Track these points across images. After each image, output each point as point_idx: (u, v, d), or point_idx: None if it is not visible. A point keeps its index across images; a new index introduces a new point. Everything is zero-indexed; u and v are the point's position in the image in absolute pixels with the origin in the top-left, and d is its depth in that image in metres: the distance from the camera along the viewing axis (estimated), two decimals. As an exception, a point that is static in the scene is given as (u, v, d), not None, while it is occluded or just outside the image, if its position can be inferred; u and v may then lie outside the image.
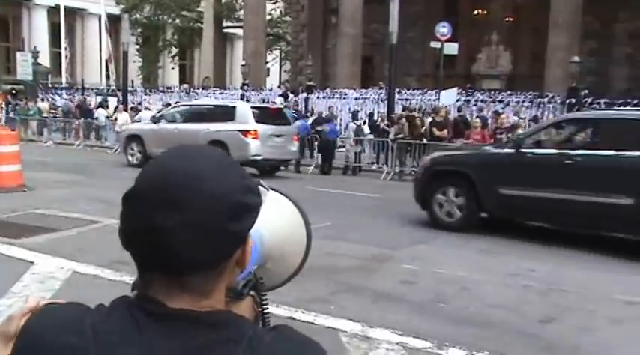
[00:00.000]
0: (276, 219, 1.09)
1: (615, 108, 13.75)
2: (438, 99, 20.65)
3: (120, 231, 0.88)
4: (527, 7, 29.27)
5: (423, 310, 5.34)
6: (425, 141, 15.63)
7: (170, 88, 32.12)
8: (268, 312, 1.05)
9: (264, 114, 14.96)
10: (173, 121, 15.90)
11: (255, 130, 14.13)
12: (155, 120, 16.57)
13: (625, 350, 4.61)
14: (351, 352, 4.32)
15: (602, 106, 19.18)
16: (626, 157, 7.73)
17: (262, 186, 1.06)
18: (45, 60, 38.58)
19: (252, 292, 1.03)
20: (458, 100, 20.99)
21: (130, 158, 16.42)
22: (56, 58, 41.72)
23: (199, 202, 0.83)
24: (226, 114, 14.69)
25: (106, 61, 33.02)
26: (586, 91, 20.85)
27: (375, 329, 4.70)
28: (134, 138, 16.53)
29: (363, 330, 4.68)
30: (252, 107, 15.39)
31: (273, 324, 1.01)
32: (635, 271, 7.03)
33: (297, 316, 4.92)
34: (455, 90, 20.46)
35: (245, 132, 14.08)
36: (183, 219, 0.82)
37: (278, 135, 14.75)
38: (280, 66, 49.90)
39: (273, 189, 1.11)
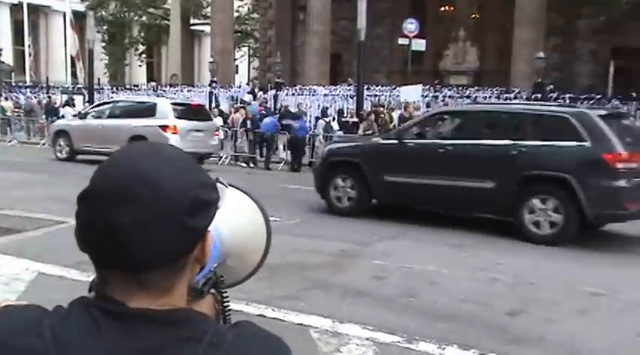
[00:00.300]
0: (235, 216, 1.09)
1: (574, 103, 14.30)
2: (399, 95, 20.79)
3: (76, 231, 0.86)
4: (493, 3, 29.57)
5: (393, 305, 5.37)
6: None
7: (137, 85, 31.71)
8: (229, 310, 1.05)
9: (186, 111, 15.68)
10: (99, 117, 16.63)
11: (174, 126, 14.79)
12: (81, 116, 17.49)
13: (589, 340, 4.69)
14: (321, 348, 4.33)
15: (567, 101, 19.54)
16: (487, 145, 8.65)
17: (221, 182, 1.05)
18: (8, 58, 37.78)
19: (212, 290, 1.02)
20: (426, 96, 21.14)
21: (57, 153, 16.97)
22: (20, 56, 40.90)
23: (155, 198, 0.82)
24: (148, 110, 15.40)
25: (72, 58, 32.45)
26: (551, 87, 21.17)
27: (345, 325, 4.71)
28: (61, 133, 17.10)
29: (333, 326, 4.69)
30: (173, 103, 16.21)
31: (237, 321, 0.99)
32: (600, 262, 7.17)
33: (267, 313, 4.91)
34: (419, 86, 20.66)
35: (164, 128, 14.67)
36: (140, 216, 0.81)
37: (198, 130, 15.38)
38: (249, 63, 49.64)
39: (232, 186, 1.10)
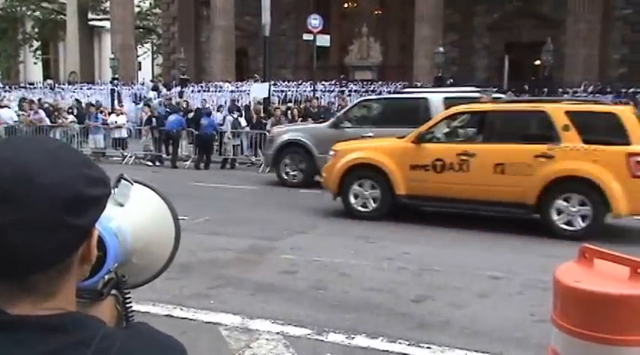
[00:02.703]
0: (141, 214, 1.05)
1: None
2: (313, 90, 20.96)
3: None
4: (394, 0, 30.35)
5: (303, 298, 5.41)
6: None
7: (33, 83, 30.22)
8: (132, 311, 1.02)
9: None
10: None
11: None
12: None
13: (491, 320, 4.92)
14: (231, 345, 4.31)
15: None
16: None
17: (125, 179, 1.03)
18: None
19: (114, 291, 0.99)
20: (332, 91, 21.42)
21: None
22: None
23: (31, 196, 0.77)
24: None
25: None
26: (451, 80, 21.98)
27: (255, 321, 4.71)
28: None
29: (243, 323, 4.67)
30: None
31: (130, 323, 0.98)
32: (498, 249, 7.52)
33: (175, 313, 4.83)
34: (266, 84, 21.31)
35: None
36: (16, 215, 0.76)
37: None
38: (152, 59, 48.44)
39: (138, 182, 1.07)
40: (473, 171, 8.45)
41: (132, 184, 1.05)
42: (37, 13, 41.28)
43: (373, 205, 9.20)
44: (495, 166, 8.30)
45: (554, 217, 8.03)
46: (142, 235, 1.04)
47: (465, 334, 4.63)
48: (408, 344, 4.34)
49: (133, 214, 1.03)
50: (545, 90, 19.60)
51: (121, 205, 1.03)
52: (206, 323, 4.67)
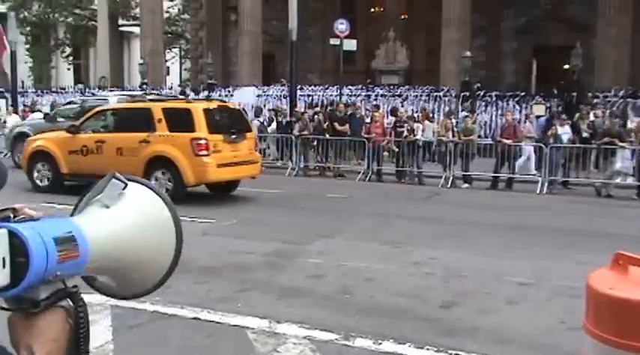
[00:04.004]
0: (129, 216, 0.95)
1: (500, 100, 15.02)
2: (339, 95, 20.96)
3: None
4: (420, 4, 30.19)
5: (329, 303, 5.40)
6: (327, 136, 15.82)
7: (64, 88, 30.71)
8: (84, 325, 0.89)
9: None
10: None
11: None
12: None
13: (521, 328, 4.86)
14: (258, 349, 4.31)
15: (494, 98, 20.19)
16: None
17: (117, 178, 0.96)
18: None
19: (64, 303, 0.88)
20: (358, 96, 21.40)
21: None
22: None
23: None
24: None
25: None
26: (479, 85, 21.79)
27: (282, 325, 4.71)
28: None
29: (270, 327, 4.68)
30: None
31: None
32: (526, 255, 7.42)
33: (202, 316, 4.85)
34: (252, 88, 21.44)
35: None
36: None
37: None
38: (180, 64, 48.88)
39: (133, 181, 0.98)
40: (105, 153, 11.19)
41: (125, 184, 0.96)
42: (70, 20, 41.95)
43: (47, 182, 12.02)
44: (117, 150, 11.08)
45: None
46: (131, 241, 0.94)
47: (494, 341, 4.58)
48: (436, 351, 4.30)
49: (118, 217, 0.93)
50: (575, 94, 19.32)
51: (107, 207, 0.94)
52: (233, 326, 4.69)
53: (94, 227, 0.89)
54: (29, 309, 0.84)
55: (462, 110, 19.12)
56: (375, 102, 21.39)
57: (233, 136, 11.07)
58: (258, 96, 23.49)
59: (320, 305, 5.31)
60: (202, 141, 10.53)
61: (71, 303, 0.88)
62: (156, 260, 0.99)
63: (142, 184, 1.00)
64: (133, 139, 10.95)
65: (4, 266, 0.79)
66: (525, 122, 17.00)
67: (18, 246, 0.79)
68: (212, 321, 4.77)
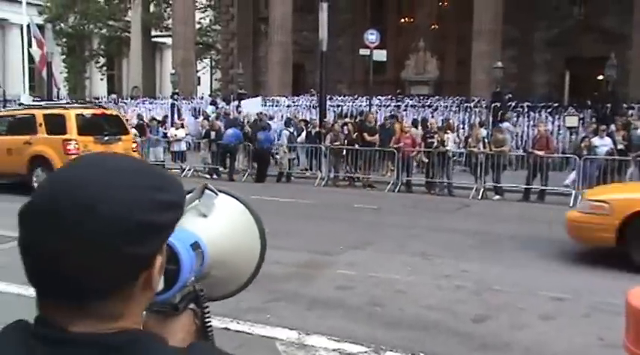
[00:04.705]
0: (224, 225, 1.03)
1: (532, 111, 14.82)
2: (369, 105, 20.93)
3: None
4: (451, 15, 30.07)
5: (359, 315, 5.35)
6: (357, 146, 15.78)
7: (98, 98, 31.22)
8: (211, 326, 0.99)
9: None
10: None
11: None
12: None
13: (556, 344, 4.74)
14: (288, 361, 4.28)
15: (525, 110, 19.95)
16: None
17: (210, 189, 1.02)
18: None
19: (192, 305, 0.96)
20: (388, 106, 21.33)
21: None
22: (-26, 69, 39.90)
23: (90, 224, 0.75)
24: None
25: (34, 71, 31.61)
26: (510, 96, 21.55)
27: (312, 337, 4.67)
28: None
29: (299, 338, 4.64)
30: None
31: (191, 343, 0.95)
32: (558, 268, 7.28)
33: (232, 327, 4.84)
34: (258, 98, 21.41)
35: None
36: (72, 241, 0.74)
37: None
38: (211, 74, 49.36)
39: (224, 192, 1.05)
40: None
41: (216, 194, 1.03)
42: (104, 31, 42.70)
43: None
44: (7, 150, 13.04)
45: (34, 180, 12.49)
46: (223, 248, 1.02)
47: (528, 357, 4.48)
48: (468, 366, 4.22)
49: (215, 226, 1.01)
50: (609, 105, 18.99)
51: (204, 216, 1.02)
52: (262, 337, 4.67)
53: (203, 235, 0.98)
54: (170, 312, 0.93)
55: (505, 120, 18.66)
56: (402, 113, 21.29)
57: (106, 138, 12.83)
58: (288, 106, 23.57)
59: (350, 317, 5.26)
60: (72, 142, 12.34)
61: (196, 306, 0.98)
62: (242, 264, 1.09)
63: (229, 194, 1.08)
64: (19, 141, 12.98)
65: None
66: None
67: (170, 255, 0.87)
68: (241, 332, 4.76)
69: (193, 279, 0.95)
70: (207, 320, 0.99)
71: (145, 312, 0.91)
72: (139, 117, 22.27)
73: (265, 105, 22.85)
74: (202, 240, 0.96)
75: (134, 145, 14.05)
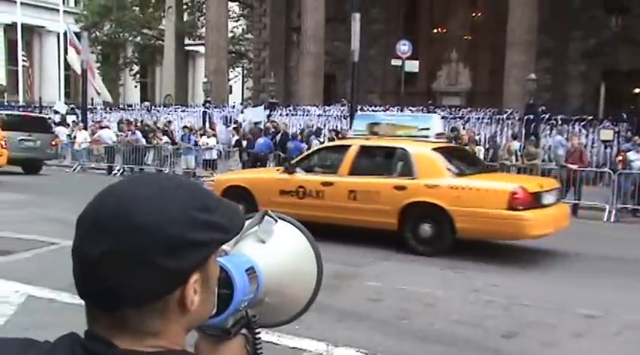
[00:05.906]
0: (282, 253, 1.04)
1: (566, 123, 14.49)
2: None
3: None
4: (484, 26, 29.86)
5: (388, 327, 5.32)
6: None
7: (131, 105, 31.72)
8: (262, 353, 1.01)
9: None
10: None
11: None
12: None
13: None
14: (315, 372, 4.27)
15: (559, 122, 19.65)
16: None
17: (270, 215, 1.03)
18: (1, 78, 37.76)
19: (244, 331, 0.97)
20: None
21: None
22: (13, 75, 40.91)
23: (126, 232, 0.78)
24: None
25: (69, 78, 32.26)
26: (543, 108, 21.28)
27: (340, 349, 4.66)
28: None
29: (328, 350, 4.64)
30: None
31: None
32: (592, 284, 7.15)
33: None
34: (261, 107, 21.49)
35: None
36: (108, 247, 0.77)
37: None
38: (243, 83, 49.83)
39: (283, 219, 1.06)
40: None
41: (276, 221, 1.04)
42: (138, 39, 43.47)
43: None
44: None
45: None
46: (280, 275, 1.02)
47: (559, 375, 4.40)
48: (498, 383, 4.16)
49: (273, 253, 1.02)
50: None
51: (263, 242, 1.03)
52: (291, 348, 4.67)
53: (260, 261, 0.98)
54: (222, 337, 0.94)
55: (557, 133, 17.64)
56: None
57: None
58: (319, 115, 23.64)
59: (378, 330, 5.24)
60: None
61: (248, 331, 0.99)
62: (299, 292, 1.09)
63: (287, 221, 1.08)
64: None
65: None
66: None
67: (224, 279, 0.89)
68: (269, 342, 4.76)
69: (247, 304, 0.95)
70: (258, 346, 1.00)
71: (197, 334, 0.94)
72: (166, 125, 22.57)
73: (296, 115, 22.93)
74: (258, 265, 0.97)
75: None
